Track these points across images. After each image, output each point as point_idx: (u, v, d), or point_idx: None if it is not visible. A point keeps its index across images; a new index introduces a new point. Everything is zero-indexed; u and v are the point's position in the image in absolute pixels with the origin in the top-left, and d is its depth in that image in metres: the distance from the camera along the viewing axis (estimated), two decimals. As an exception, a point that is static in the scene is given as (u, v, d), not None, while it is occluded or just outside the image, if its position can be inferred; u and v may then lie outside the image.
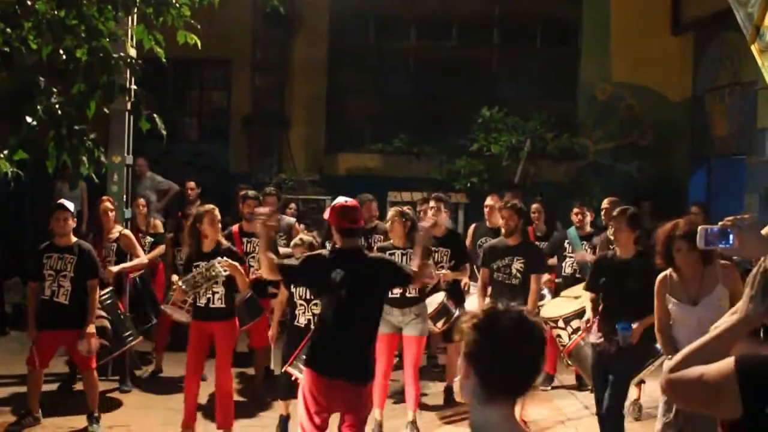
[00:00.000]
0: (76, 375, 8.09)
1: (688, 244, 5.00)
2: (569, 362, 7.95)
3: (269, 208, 6.42)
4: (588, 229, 8.98)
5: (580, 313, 7.31)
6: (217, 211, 7.08)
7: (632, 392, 7.32)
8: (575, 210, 9.05)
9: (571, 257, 8.88)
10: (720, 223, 2.65)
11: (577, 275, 8.61)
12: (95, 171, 5.20)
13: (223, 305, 6.91)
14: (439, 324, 7.66)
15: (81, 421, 7.25)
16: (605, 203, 8.44)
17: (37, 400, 7.24)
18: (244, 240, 8.39)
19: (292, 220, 9.48)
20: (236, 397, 8.19)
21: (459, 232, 8.95)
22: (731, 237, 2.60)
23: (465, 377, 2.37)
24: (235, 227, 8.57)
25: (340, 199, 5.62)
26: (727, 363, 2.31)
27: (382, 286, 5.55)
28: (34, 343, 7.11)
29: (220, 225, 7.11)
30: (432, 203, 8.15)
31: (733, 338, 2.43)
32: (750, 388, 2.25)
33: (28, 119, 4.63)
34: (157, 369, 9.02)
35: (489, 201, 9.23)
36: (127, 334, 7.93)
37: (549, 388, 8.78)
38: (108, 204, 8.27)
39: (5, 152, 4.96)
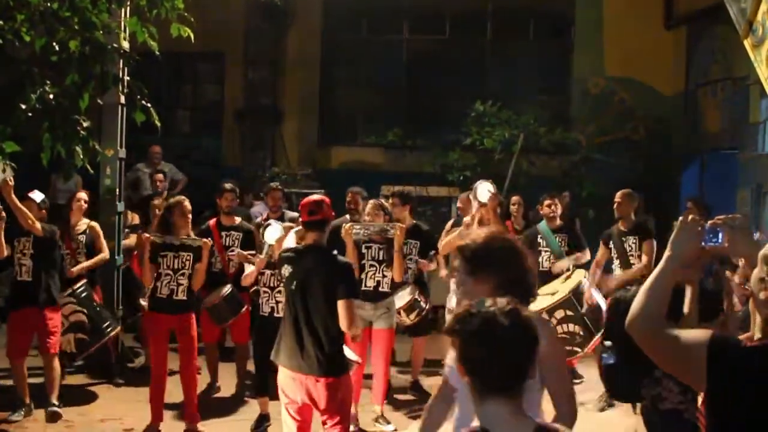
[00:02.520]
0: (64, 368, 8.07)
1: None
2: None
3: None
4: (558, 222, 8.88)
5: (562, 303, 7.38)
6: (187, 202, 7.13)
7: None
8: (546, 201, 8.87)
9: (546, 251, 8.78)
10: (710, 222, 2.68)
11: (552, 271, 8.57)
12: (90, 161, 5.20)
13: (185, 298, 6.96)
14: (412, 316, 7.75)
15: (73, 412, 7.27)
16: (618, 197, 8.35)
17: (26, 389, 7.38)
18: (223, 234, 8.28)
19: (296, 214, 9.43)
20: (220, 394, 8.26)
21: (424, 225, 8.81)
22: (721, 235, 2.64)
23: (462, 376, 2.46)
24: (212, 221, 8.45)
25: (309, 197, 5.57)
26: (704, 333, 2.54)
27: (330, 289, 5.27)
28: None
29: (190, 216, 7.15)
30: (392, 200, 8.15)
31: (669, 275, 2.66)
32: (715, 363, 2.45)
33: (23, 106, 4.63)
34: (148, 363, 9.01)
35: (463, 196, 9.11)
36: (105, 325, 7.93)
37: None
38: (81, 195, 8.30)
39: (-2, 145, 4.96)
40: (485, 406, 2.41)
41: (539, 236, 8.84)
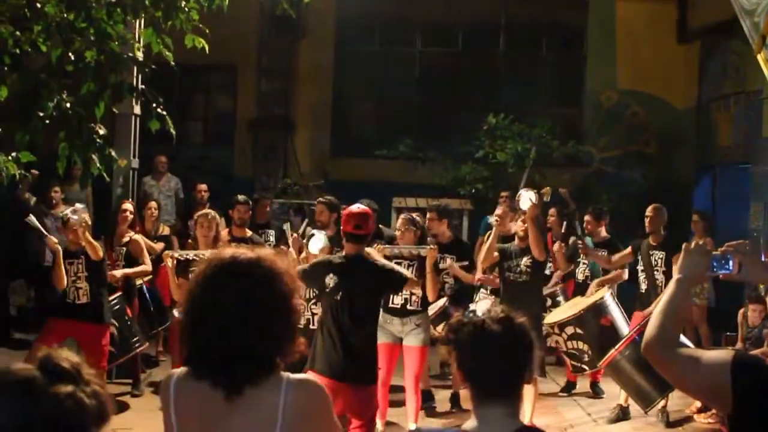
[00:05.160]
0: None
1: None
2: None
3: None
4: (603, 235, 9.03)
5: (573, 320, 7.36)
6: (211, 215, 7.14)
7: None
8: (586, 218, 9.18)
9: (585, 263, 8.97)
10: (721, 249, 2.67)
11: (588, 282, 8.64)
12: (106, 169, 5.22)
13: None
14: (439, 328, 7.67)
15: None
16: (649, 211, 8.37)
17: None
18: (234, 245, 8.30)
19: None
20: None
21: (464, 239, 8.92)
22: (731, 263, 2.63)
23: (462, 383, 2.57)
24: (224, 232, 8.45)
25: (354, 206, 5.84)
26: (726, 353, 2.50)
27: (377, 291, 5.65)
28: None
29: (214, 229, 7.16)
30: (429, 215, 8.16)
31: (681, 297, 2.64)
32: (741, 383, 2.39)
33: (40, 114, 4.66)
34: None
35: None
36: (134, 340, 7.95)
37: (566, 395, 8.79)
38: (129, 207, 8.33)
39: (13, 154, 4.99)
40: (482, 410, 2.49)
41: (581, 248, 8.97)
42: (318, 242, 6.72)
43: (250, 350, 2.33)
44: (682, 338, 2.84)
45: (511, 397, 2.50)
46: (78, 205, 7.56)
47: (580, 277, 9.01)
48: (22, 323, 10.53)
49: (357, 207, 5.85)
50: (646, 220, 8.22)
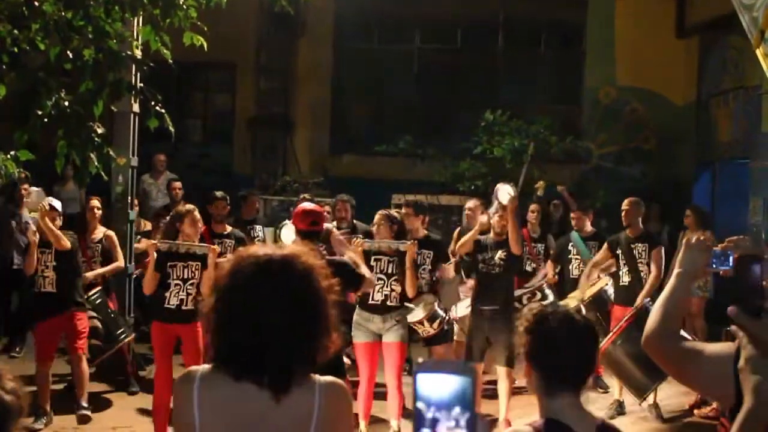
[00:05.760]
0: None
1: None
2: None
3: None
4: (588, 229, 9.17)
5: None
6: (197, 212, 7.12)
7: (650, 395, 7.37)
8: (573, 215, 9.38)
9: (576, 259, 9.02)
10: (720, 245, 2.66)
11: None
12: (104, 168, 5.22)
13: (193, 307, 6.85)
14: (435, 325, 7.65)
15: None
16: (625, 204, 8.40)
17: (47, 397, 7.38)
18: (215, 241, 8.30)
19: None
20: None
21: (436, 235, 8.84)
22: (731, 259, 2.62)
23: (527, 374, 2.64)
24: (203, 228, 8.46)
25: (305, 204, 5.94)
26: (728, 346, 2.45)
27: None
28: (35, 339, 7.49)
29: (200, 226, 7.16)
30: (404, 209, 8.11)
31: (681, 291, 2.63)
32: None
33: (39, 112, 4.67)
34: None
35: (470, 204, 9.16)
36: (119, 332, 7.97)
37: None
38: (96, 203, 8.30)
39: (12, 153, 4.99)
40: (554, 401, 2.56)
41: (570, 244, 9.11)
42: (290, 233, 6.70)
43: (292, 349, 2.32)
44: (681, 332, 2.84)
45: (583, 386, 2.61)
46: (50, 198, 7.61)
47: (575, 272, 9.02)
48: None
49: (308, 204, 5.98)
50: (623, 214, 8.26)
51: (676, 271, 2.66)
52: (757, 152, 11.22)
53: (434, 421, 1.15)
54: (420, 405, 1.15)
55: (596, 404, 8.25)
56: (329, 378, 2.43)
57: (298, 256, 2.41)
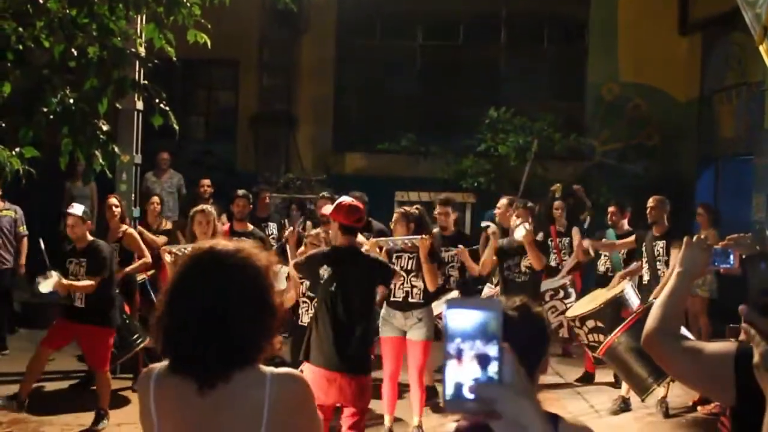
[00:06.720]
0: (93, 377, 8.05)
1: None
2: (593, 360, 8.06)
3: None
4: (626, 228, 9.16)
5: (593, 314, 7.39)
6: (208, 210, 7.11)
7: (659, 390, 7.34)
8: (610, 209, 9.37)
9: (606, 255, 9.15)
10: (721, 243, 2.67)
11: (609, 273, 8.82)
12: (109, 166, 5.23)
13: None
14: None
15: (90, 418, 7.28)
16: (651, 201, 8.40)
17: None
18: (234, 240, 8.27)
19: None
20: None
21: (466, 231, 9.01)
22: (732, 257, 2.63)
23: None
24: (225, 226, 8.44)
25: (347, 198, 5.90)
26: (729, 345, 2.46)
27: (371, 282, 5.73)
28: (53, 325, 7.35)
29: (212, 224, 7.14)
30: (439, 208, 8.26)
31: (682, 290, 2.65)
32: (744, 375, 2.32)
33: (44, 110, 4.68)
34: None
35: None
36: (134, 337, 7.80)
37: (580, 384, 8.83)
38: (113, 201, 8.12)
39: (17, 150, 5.00)
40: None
41: (603, 240, 9.12)
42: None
43: (221, 342, 2.25)
44: (683, 330, 2.84)
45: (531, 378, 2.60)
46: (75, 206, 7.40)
47: (601, 269, 9.23)
48: (26, 319, 10.54)
49: (350, 200, 5.86)
50: (648, 211, 8.25)
51: (676, 270, 2.67)
52: (760, 149, 11.22)
53: (460, 351, 1.22)
54: (448, 337, 1.22)
55: (597, 399, 8.30)
56: (284, 370, 2.39)
57: (242, 250, 2.37)
